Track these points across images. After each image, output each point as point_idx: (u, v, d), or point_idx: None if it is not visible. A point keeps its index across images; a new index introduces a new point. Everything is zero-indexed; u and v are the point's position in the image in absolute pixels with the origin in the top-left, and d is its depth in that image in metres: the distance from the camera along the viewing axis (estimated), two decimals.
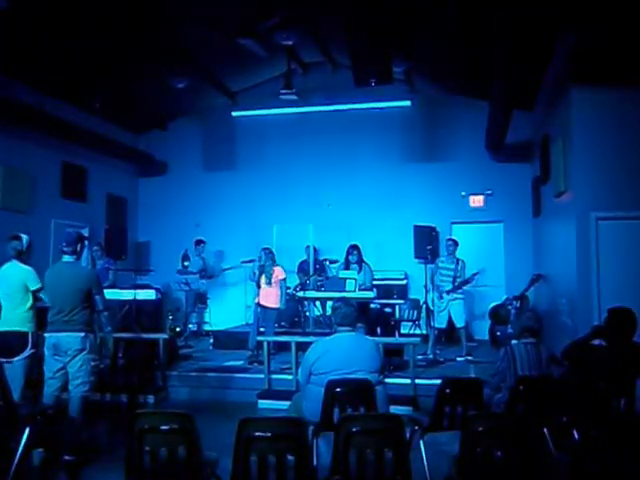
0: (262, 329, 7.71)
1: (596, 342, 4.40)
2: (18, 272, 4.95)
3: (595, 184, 6.57)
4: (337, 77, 9.95)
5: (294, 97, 9.19)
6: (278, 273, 7.78)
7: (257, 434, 2.79)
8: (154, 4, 7.13)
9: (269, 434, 2.80)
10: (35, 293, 4.93)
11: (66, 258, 4.74)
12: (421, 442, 3.72)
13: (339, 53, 9.29)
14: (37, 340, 4.95)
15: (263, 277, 7.69)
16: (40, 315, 4.94)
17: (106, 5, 6.81)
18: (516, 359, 4.22)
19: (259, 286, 7.69)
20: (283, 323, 9.34)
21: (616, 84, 6.40)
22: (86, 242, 5.31)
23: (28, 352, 4.86)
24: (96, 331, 4.87)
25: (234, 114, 10.37)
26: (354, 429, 2.87)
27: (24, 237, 5.09)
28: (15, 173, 8.48)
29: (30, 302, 4.94)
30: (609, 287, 6.39)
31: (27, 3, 6.27)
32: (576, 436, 3.41)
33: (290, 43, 7.93)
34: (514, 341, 4.49)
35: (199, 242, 10.11)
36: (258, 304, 7.75)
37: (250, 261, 8.66)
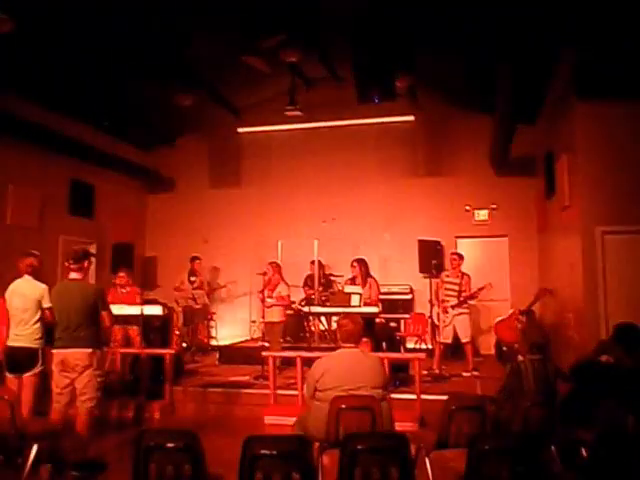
0: (266, 344, 7.71)
1: (603, 358, 4.39)
2: (33, 289, 4.97)
3: (600, 198, 6.58)
4: (341, 93, 10.01)
5: (299, 113, 9.27)
6: (282, 289, 7.79)
7: (262, 452, 2.78)
8: (159, 22, 7.23)
9: (274, 452, 2.80)
10: (47, 311, 4.94)
11: (73, 275, 4.77)
12: (427, 459, 3.70)
13: (343, 69, 9.37)
14: (45, 356, 4.98)
15: (266, 292, 7.68)
16: (48, 332, 4.97)
17: (112, 23, 6.91)
18: (523, 375, 4.21)
19: (264, 301, 7.70)
20: (288, 338, 9.33)
21: (620, 99, 6.42)
22: (93, 259, 5.35)
23: (38, 368, 4.89)
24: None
25: (239, 130, 10.43)
26: (360, 447, 2.87)
27: (37, 254, 5.15)
28: (23, 190, 8.56)
29: (40, 319, 4.96)
30: (616, 301, 6.37)
31: (33, 21, 6.37)
32: (584, 454, 3.39)
33: (294, 60, 8.01)
34: (521, 357, 4.48)
35: (194, 258, 10.09)
36: (263, 320, 7.75)
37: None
